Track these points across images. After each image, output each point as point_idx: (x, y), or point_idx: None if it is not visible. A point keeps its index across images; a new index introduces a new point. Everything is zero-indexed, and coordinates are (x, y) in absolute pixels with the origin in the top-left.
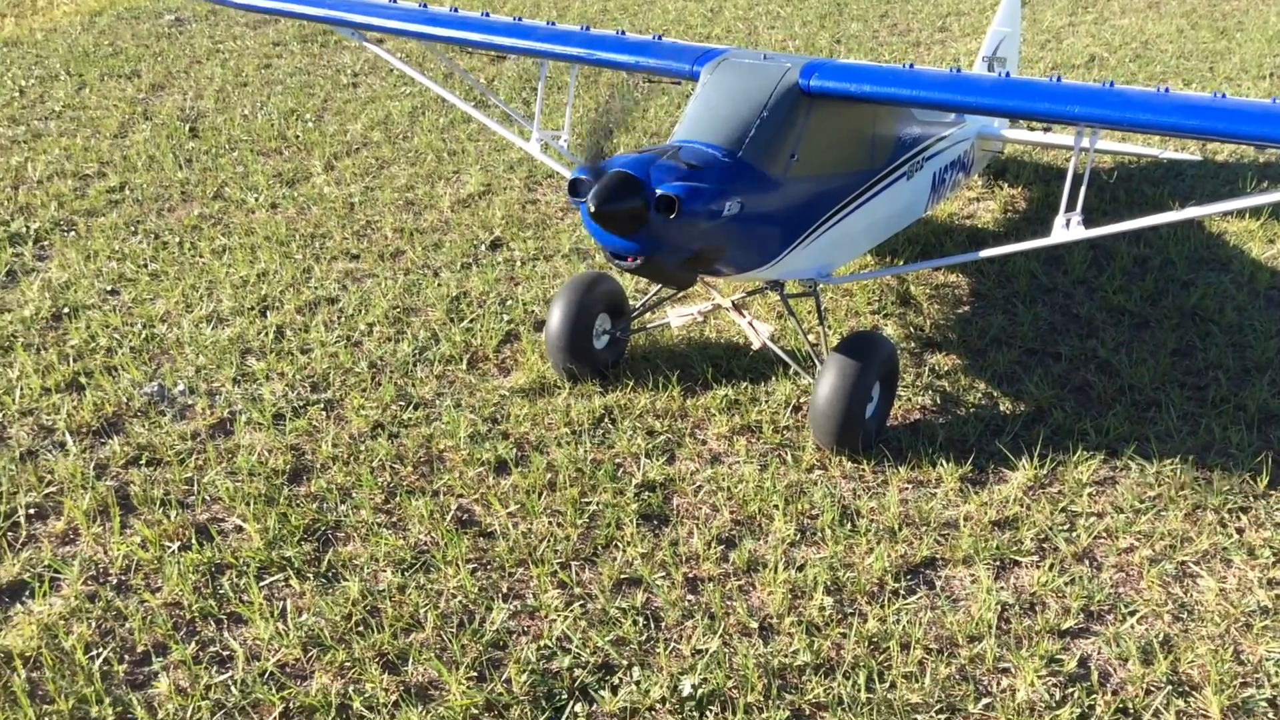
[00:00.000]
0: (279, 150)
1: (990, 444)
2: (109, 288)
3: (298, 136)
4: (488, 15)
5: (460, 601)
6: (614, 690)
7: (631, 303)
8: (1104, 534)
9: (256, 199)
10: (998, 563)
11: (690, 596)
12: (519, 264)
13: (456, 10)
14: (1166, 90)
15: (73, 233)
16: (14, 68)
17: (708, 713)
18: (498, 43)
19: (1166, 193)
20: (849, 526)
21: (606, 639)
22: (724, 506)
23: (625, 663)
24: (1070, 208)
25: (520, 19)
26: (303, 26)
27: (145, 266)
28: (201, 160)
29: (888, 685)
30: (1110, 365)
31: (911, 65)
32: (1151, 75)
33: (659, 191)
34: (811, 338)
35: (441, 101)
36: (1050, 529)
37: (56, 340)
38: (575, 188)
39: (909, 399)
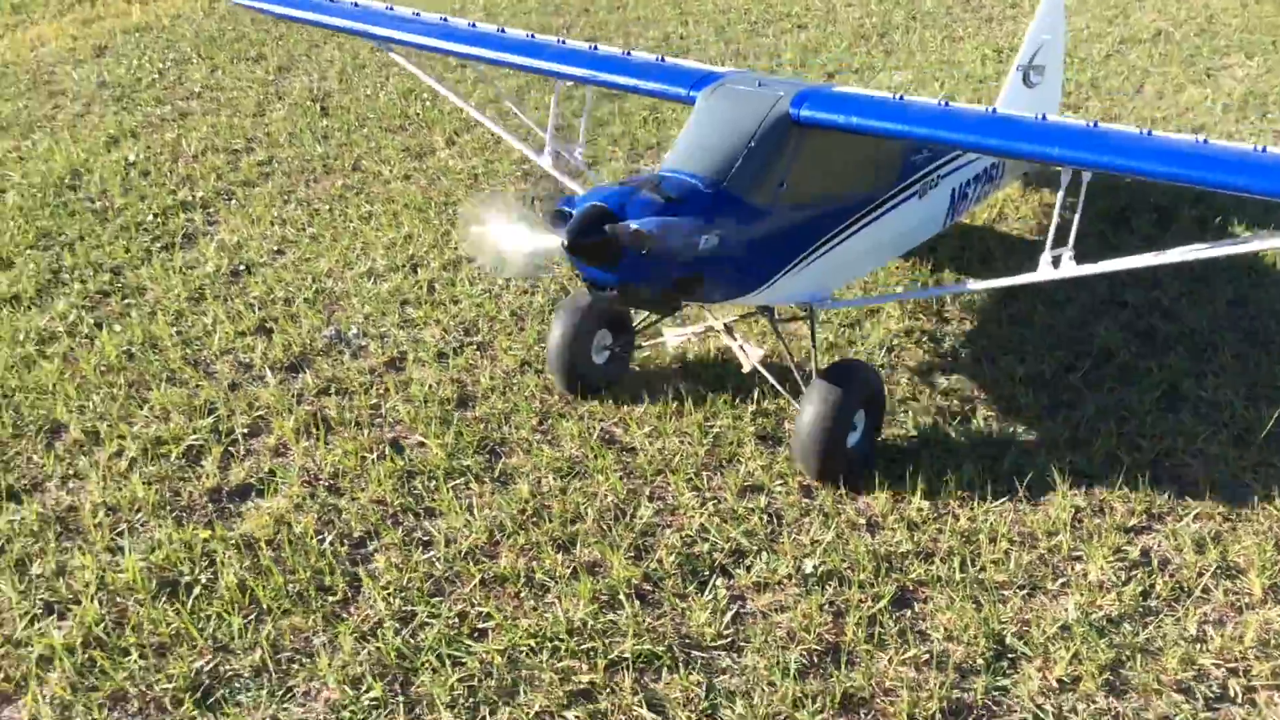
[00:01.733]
0: (403, 127)
1: (1065, 379)
2: (275, 248)
3: (418, 114)
4: (502, 31)
5: (612, 501)
6: (748, 569)
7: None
8: (1164, 454)
9: (390, 170)
10: (1071, 473)
11: (805, 499)
12: None
13: (474, 25)
14: (1149, 134)
15: (233, 201)
16: (149, 51)
17: (827, 586)
18: (508, 60)
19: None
20: (939, 445)
21: (738, 530)
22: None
23: (755, 549)
24: (1061, 243)
25: (534, 35)
26: None
27: (304, 230)
28: (336, 136)
29: (978, 568)
30: (1172, 312)
31: (902, 96)
32: (1215, 49)
33: (633, 226)
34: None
35: (545, 81)
36: (1117, 447)
37: (240, 292)
38: (557, 219)
39: (996, 335)
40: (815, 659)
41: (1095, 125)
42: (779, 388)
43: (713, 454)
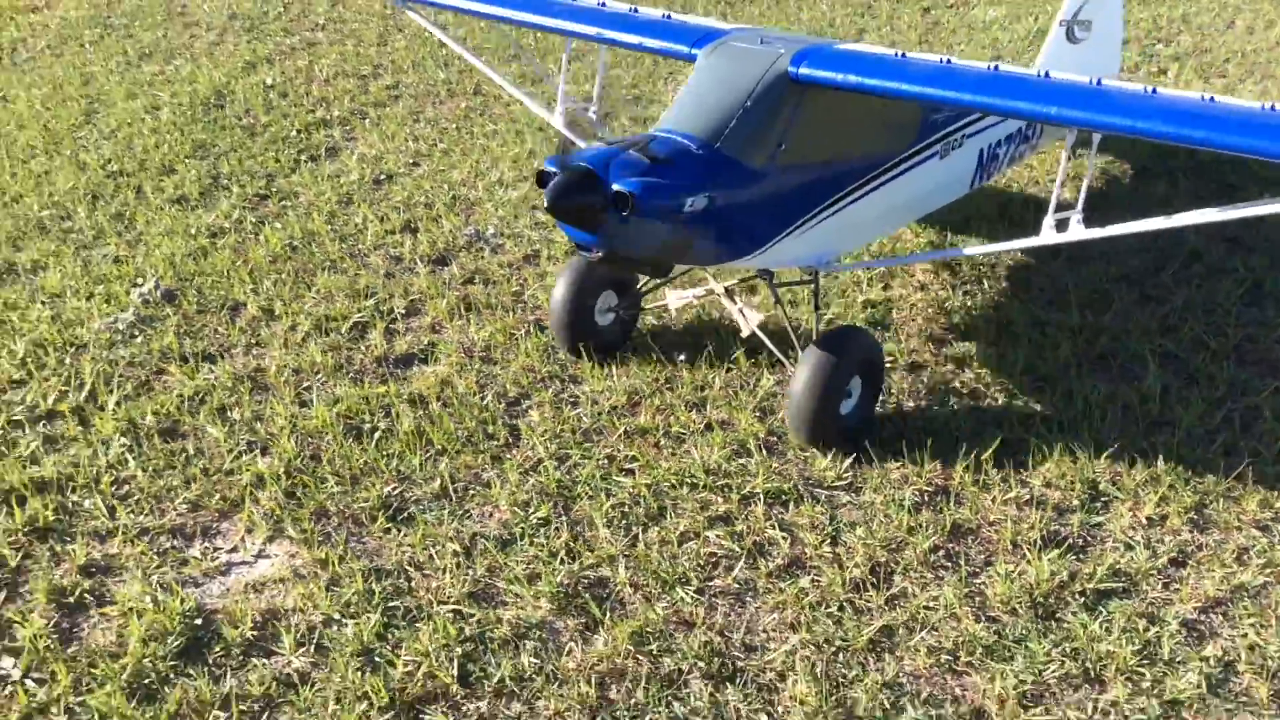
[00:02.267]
0: (517, 56)
1: (1154, 277)
2: (411, 161)
3: (531, 45)
4: None
5: (736, 374)
6: None
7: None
8: (1247, 340)
9: (509, 95)
10: (1161, 355)
11: (909, 376)
12: None
13: None
14: (1154, 91)
15: (367, 120)
16: None
17: (936, 440)
18: (514, 17)
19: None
20: (1040, 331)
21: None
22: (934, 320)
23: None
24: (1068, 206)
25: None
26: None
27: (435, 145)
28: (456, 64)
29: (1076, 428)
30: (1252, 221)
31: (903, 54)
32: None
33: (615, 188)
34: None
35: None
36: (1204, 333)
37: (384, 197)
38: (541, 179)
39: (1086, 241)
40: (927, 498)
41: (1098, 83)
42: (777, 352)
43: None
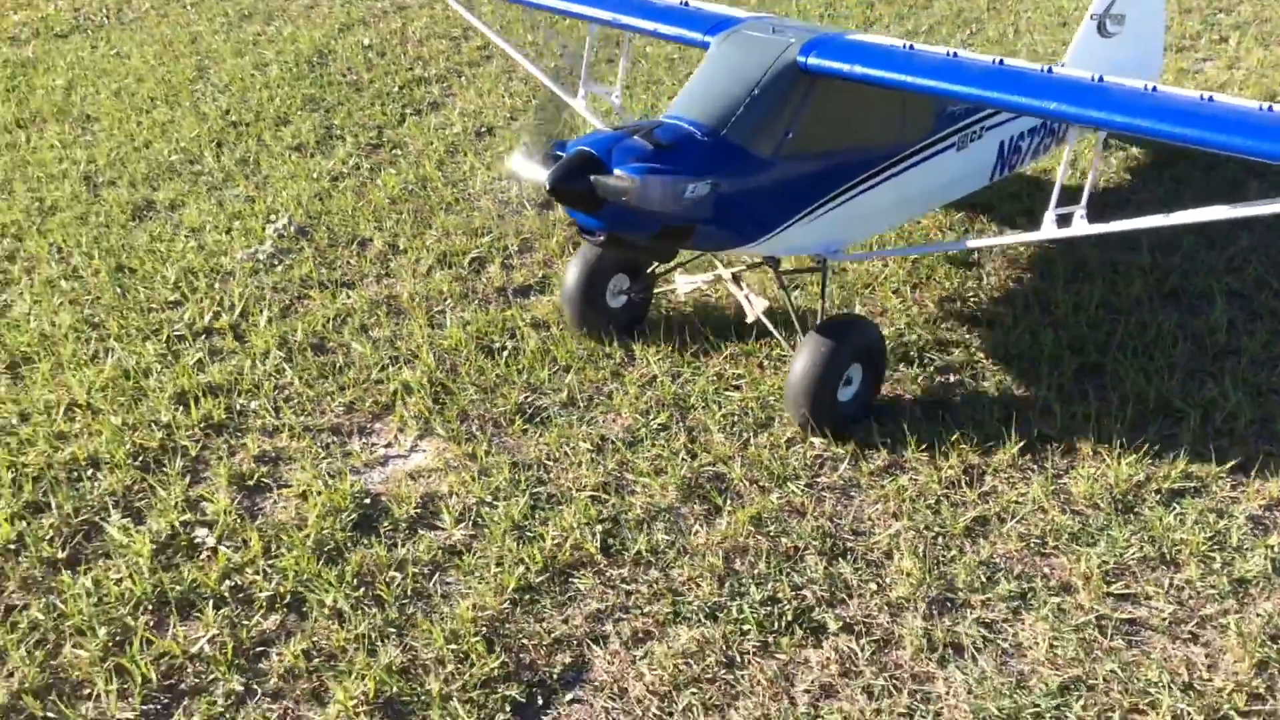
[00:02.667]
0: (547, 46)
1: (1220, 223)
2: (509, 115)
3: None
4: None
5: (828, 305)
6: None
7: None
8: None
9: (596, 55)
10: (1228, 293)
11: (1003, 308)
12: None
13: None
14: (1154, 90)
15: (463, 78)
16: None
17: (1021, 364)
18: (537, 0)
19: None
20: (1113, 270)
21: (934, 331)
22: (1016, 261)
23: (955, 341)
24: (1071, 201)
25: None
26: None
27: (530, 102)
28: (544, 25)
29: (1149, 354)
30: None
31: (912, 46)
32: None
33: (615, 172)
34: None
35: None
36: (1266, 273)
37: (487, 147)
38: (549, 161)
39: (1157, 190)
40: (1014, 412)
41: (1100, 80)
42: (781, 339)
43: (912, 274)
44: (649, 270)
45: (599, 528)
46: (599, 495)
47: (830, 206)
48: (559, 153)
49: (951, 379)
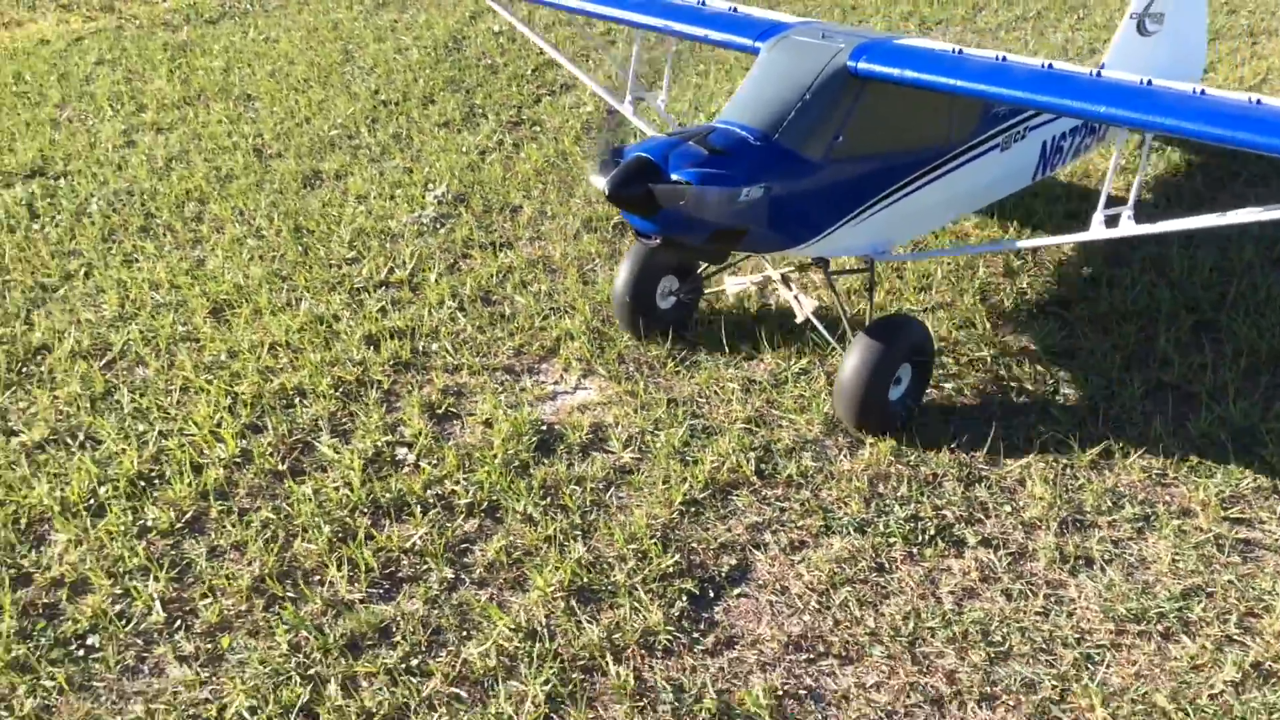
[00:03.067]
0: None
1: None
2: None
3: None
4: None
5: (954, 267)
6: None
7: None
8: None
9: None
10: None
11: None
12: None
13: None
14: (1201, 93)
15: (589, 60)
16: None
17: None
18: (585, 8)
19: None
20: (1226, 238)
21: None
22: None
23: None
24: (1119, 202)
25: None
26: None
27: (655, 83)
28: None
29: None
30: None
31: (961, 50)
32: None
33: (673, 178)
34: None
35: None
36: None
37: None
38: (605, 168)
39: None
40: (1135, 360)
41: (1148, 83)
42: (830, 339)
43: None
44: (698, 271)
45: (752, 454)
46: (749, 428)
47: (878, 208)
48: (617, 159)
49: (1075, 331)
